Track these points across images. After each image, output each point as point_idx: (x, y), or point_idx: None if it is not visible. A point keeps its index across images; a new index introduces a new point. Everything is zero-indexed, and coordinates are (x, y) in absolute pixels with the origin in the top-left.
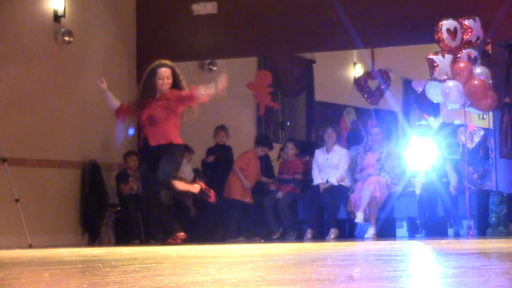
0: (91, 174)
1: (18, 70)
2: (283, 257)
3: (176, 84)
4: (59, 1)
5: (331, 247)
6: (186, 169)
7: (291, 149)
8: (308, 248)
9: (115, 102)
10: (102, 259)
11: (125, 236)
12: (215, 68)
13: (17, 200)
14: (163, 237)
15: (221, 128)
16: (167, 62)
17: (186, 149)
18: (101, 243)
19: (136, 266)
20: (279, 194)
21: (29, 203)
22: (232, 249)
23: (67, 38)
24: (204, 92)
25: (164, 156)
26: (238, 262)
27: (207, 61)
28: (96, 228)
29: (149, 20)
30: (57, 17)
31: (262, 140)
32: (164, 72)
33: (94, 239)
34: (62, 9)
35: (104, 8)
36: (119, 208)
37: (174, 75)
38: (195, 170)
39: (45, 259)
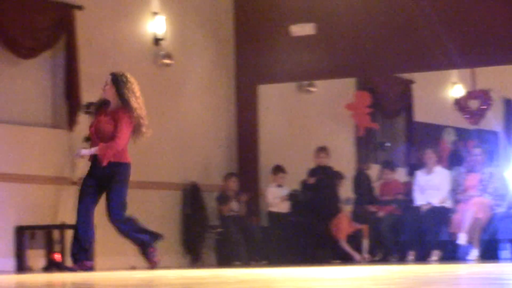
0: (192, 195)
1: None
2: (393, 281)
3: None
4: (159, 24)
5: (437, 270)
6: (277, 191)
7: (391, 171)
8: (413, 270)
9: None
10: (213, 282)
11: (226, 257)
12: (313, 89)
13: None
14: (75, 258)
15: (322, 149)
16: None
17: (279, 169)
18: (202, 265)
19: None
20: (380, 213)
21: None
22: (334, 271)
23: (166, 61)
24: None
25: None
26: (351, 285)
27: (306, 82)
28: (198, 250)
29: (247, 42)
30: (157, 40)
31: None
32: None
33: (195, 261)
34: (162, 33)
35: (203, 31)
36: (219, 229)
37: (117, 83)
38: (292, 194)
39: (152, 282)
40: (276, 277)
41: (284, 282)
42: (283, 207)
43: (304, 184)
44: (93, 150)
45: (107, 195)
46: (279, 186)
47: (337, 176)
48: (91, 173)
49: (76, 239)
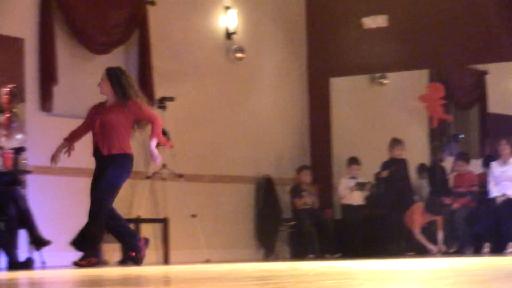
0: (265, 189)
1: (192, 87)
2: (474, 272)
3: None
4: (231, 18)
5: None
6: (350, 184)
7: (465, 163)
8: (491, 262)
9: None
10: (291, 274)
11: (300, 250)
12: (386, 81)
13: (193, 216)
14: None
15: (397, 142)
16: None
17: (353, 161)
18: (276, 258)
19: (332, 281)
20: (454, 205)
21: (205, 219)
22: (412, 263)
23: (238, 55)
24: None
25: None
26: (433, 277)
27: (378, 74)
28: (271, 243)
29: (319, 35)
30: (228, 34)
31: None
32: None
33: (269, 254)
34: (234, 26)
35: (275, 24)
36: (293, 222)
37: (112, 77)
38: (359, 183)
39: (231, 275)
40: (355, 269)
41: (365, 275)
42: (356, 199)
43: (377, 176)
44: (153, 143)
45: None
46: (353, 178)
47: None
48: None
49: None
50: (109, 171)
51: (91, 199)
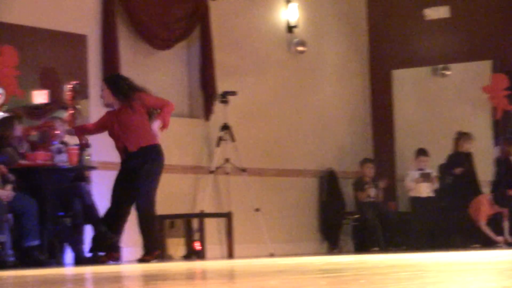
0: (328, 182)
1: (254, 81)
2: None
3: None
4: (292, 12)
5: None
6: (415, 175)
7: None
8: None
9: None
10: (362, 267)
11: (364, 243)
12: (448, 72)
13: (257, 210)
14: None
15: (466, 136)
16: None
17: (421, 152)
18: (340, 251)
19: (405, 273)
20: None
21: (269, 212)
22: (479, 255)
23: (300, 48)
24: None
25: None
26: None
27: (440, 66)
28: (335, 236)
29: (381, 27)
30: (290, 28)
31: None
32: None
33: (333, 247)
34: (295, 20)
35: (336, 16)
36: (356, 215)
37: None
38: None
39: (301, 268)
40: (424, 262)
41: (436, 266)
42: (425, 191)
43: (447, 172)
44: (156, 124)
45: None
46: (420, 170)
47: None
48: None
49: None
50: (147, 165)
51: (114, 200)
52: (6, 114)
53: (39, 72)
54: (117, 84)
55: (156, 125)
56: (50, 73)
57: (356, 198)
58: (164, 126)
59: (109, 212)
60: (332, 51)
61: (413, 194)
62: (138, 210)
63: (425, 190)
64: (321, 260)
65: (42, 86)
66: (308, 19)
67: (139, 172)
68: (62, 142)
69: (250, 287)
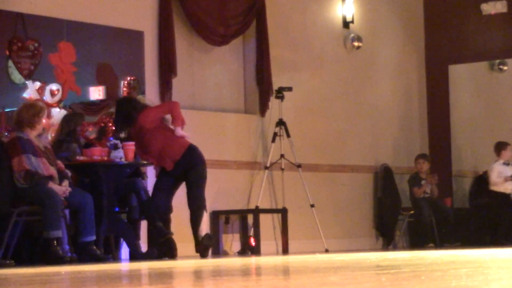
0: (384, 178)
1: (310, 76)
2: None
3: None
4: (348, 7)
5: None
6: (503, 170)
7: None
8: None
9: None
10: (419, 263)
11: (419, 239)
12: (505, 68)
13: (312, 206)
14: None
15: None
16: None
17: (503, 145)
18: (395, 247)
19: (465, 269)
20: None
21: (324, 208)
22: None
23: (356, 44)
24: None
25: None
26: None
27: (497, 61)
28: (390, 232)
29: (437, 23)
30: (346, 23)
31: None
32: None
33: (388, 243)
34: (351, 15)
35: (392, 11)
36: (412, 211)
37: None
38: None
39: (358, 264)
40: (483, 258)
41: (496, 263)
42: (507, 188)
43: None
44: (179, 130)
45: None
46: (506, 164)
47: None
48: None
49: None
50: (198, 167)
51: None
52: (63, 110)
53: (95, 68)
54: (119, 113)
55: (179, 131)
56: (106, 69)
57: (412, 194)
58: (182, 124)
59: (161, 208)
60: (388, 47)
61: (493, 188)
62: (198, 210)
63: (507, 185)
64: (377, 256)
65: (99, 82)
66: (364, 14)
67: (191, 174)
68: (118, 138)
69: (310, 283)
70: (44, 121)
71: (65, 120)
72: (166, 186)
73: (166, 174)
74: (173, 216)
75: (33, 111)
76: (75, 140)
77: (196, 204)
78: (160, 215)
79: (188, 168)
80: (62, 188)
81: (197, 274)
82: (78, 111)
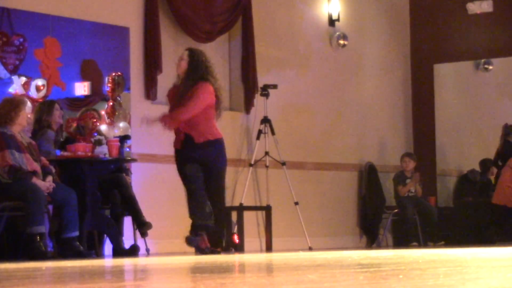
0: (368, 176)
1: (295, 74)
2: None
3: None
4: (334, 5)
5: None
6: None
7: None
8: None
9: None
10: (400, 262)
11: (403, 238)
12: (491, 67)
13: (296, 203)
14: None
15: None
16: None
17: None
18: (379, 246)
19: (445, 268)
20: None
21: (308, 206)
22: None
23: (341, 42)
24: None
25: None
26: None
27: (483, 60)
28: (374, 231)
29: (423, 21)
30: (332, 21)
31: None
32: None
33: (372, 242)
34: (337, 13)
35: (378, 10)
36: (396, 210)
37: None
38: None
39: (339, 262)
40: (464, 257)
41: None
42: None
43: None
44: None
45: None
46: None
47: None
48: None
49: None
50: (219, 162)
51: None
52: None
53: (80, 64)
54: (199, 61)
55: (162, 116)
56: (91, 65)
57: (396, 193)
58: (168, 124)
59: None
60: (373, 45)
61: None
62: (220, 206)
63: None
64: (360, 254)
65: (84, 78)
66: (350, 12)
67: (212, 167)
68: (102, 134)
69: (288, 280)
70: (25, 115)
71: (35, 110)
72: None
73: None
74: None
75: (9, 106)
76: (48, 127)
77: (219, 201)
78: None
79: (207, 158)
80: (46, 184)
81: (178, 271)
82: (53, 100)
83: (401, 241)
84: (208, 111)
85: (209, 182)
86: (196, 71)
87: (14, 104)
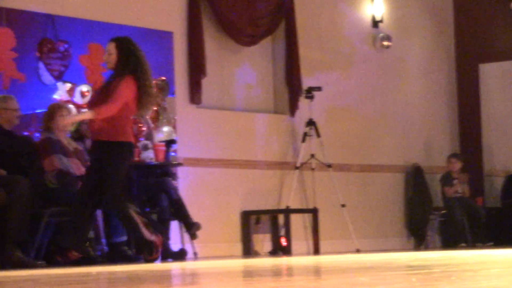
0: (414, 177)
1: (339, 76)
2: None
3: None
4: (378, 6)
5: None
6: None
7: None
8: None
9: None
10: (451, 263)
11: (451, 239)
12: None
13: (343, 205)
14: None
15: None
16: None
17: None
18: (427, 247)
19: (497, 269)
20: None
21: (355, 208)
22: None
23: (385, 43)
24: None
25: None
26: None
27: None
28: (422, 232)
29: (467, 21)
30: (375, 22)
31: None
32: None
33: (419, 243)
34: (381, 14)
35: (422, 11)
36: (443, 211)
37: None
38: None
39: (389, 264)
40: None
41: None
42: None
43: None
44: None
45: None
46: None
47: None
48: None
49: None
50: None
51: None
52: None
53: None
54: (129, 51)
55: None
56: None
57: (443, 194)
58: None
59: None
60: (417, 46)
61: None
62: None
63: None
64: (409, 256)
65: None
66: (394, 13)
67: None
68: (148, 139)
69: (340, 283)
70: (62, 120)
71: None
72: None
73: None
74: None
75: (47, 113)
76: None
77: None
78: None
79: None
80: None
81: (227, 275)
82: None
83: (449, 242)
84: (125, 109)
85: None
86: (127, 64)
87: (50, 111)
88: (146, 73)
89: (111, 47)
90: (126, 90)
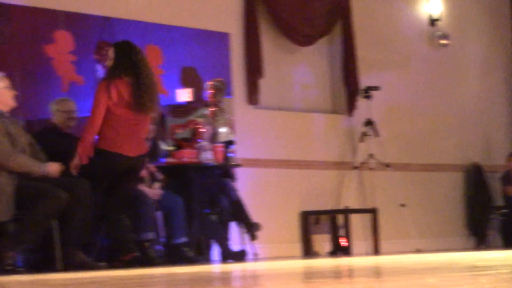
0: (474, 176)
1: (397, 75)
2: None
3: None
4: (435, 5)
5: None
6: None
7: None
8: None
9: None
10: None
11: None
12: None
13: (402, 205)
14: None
15: None
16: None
17: None
18: (488, 246)
19: None
20: None
21: (414, 208)
22: None
23: (443, 41)
24: None
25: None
26: None
27: None
28: (482, 231)
29: None
30: (432, 21)
31: None
32: None
33: (480, 242)
34: (438, 13)
35: (479, 9)
36: (504, 210)
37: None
38: None
39: (454, 265)
40: None
41: None
42: None
43: None
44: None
45: None
46: None
47: None
48: None
49: None
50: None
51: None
52: None
53: (181, 71)
54: (124, 54)
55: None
56: (191, 71)
57: (504, 192)
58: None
59: None
60: (475, 44)
61: None
62: None
63: None
64: (471, 256)
65: (185, 85)
66: (451, 12)
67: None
68: (213, 141)
69: (409, 285)
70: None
71: None
72: None
73: None
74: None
75: None
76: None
77: None
78: None
79: None
80: (154, 191)
81: (289, 276)
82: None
83: (510, 241)
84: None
85: None
86: (116, 67)
87: None
88: (142, 73)
89: (110, 52)
90: (98, 96)
